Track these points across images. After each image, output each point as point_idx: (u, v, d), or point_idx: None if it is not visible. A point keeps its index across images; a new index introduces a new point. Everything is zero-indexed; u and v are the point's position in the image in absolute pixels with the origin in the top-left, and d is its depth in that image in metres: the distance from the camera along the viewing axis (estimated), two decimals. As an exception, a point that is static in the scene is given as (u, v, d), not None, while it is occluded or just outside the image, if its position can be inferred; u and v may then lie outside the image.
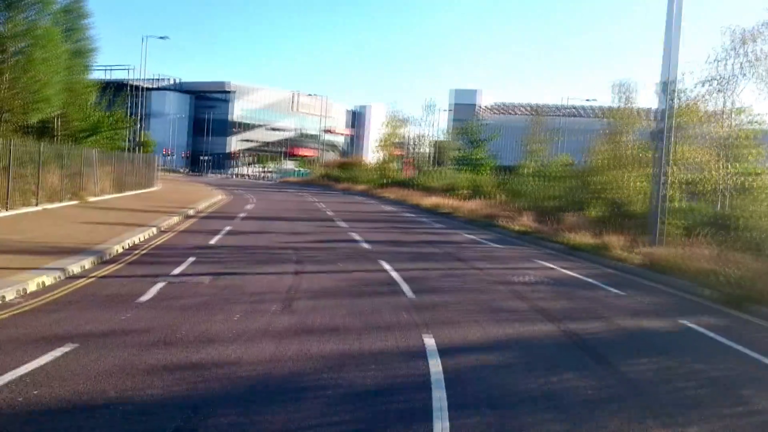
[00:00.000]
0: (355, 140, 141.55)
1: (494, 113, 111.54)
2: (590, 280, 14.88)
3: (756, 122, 21.90)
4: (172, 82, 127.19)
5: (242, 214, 27.00)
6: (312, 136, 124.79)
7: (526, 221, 26.18)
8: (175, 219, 22.13)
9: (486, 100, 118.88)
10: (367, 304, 10.62)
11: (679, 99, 22.23)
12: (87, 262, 12.49)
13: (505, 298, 11.91)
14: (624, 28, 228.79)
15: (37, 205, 21.06)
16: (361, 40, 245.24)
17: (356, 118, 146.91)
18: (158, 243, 16.52)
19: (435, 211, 35.42)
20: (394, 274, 13.59)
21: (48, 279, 10.73)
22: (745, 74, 20.73)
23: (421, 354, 7.86)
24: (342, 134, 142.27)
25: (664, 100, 19.32)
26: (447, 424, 5.73)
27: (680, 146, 22.23)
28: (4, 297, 9.31)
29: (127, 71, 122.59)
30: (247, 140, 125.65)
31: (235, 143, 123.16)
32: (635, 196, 25.92)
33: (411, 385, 6.85)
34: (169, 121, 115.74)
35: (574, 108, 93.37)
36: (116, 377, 6.42)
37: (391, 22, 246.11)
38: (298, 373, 6.95)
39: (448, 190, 46.74)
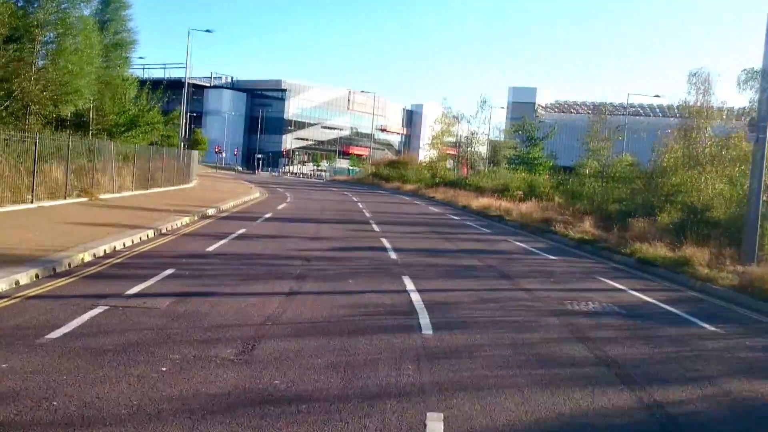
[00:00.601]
0: (410, 139, 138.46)
1: (553, 112, 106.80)
2: (673, 309, 11.41)
3: None
4: (227, 80, 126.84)
5: (268, 215, 24.30)
6: (366, 135, 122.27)
7: (586, 227, 22.61)
8: (186, 220, 19.53)
9: (545, 98, 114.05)
10: (363, 347, 7.54)
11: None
12: (26, 276, 9.81)
13: (559, 340, 8.64)
14: (690, 19, 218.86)
15: (32, 202, 18.75)
16: (417, 38, 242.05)
17: (411, 117, 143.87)
18: (145, 249, 13.82)
19: (484, 213, 32.05)
20: (415, 297, 10.48)
21: (-59, 302, 8.05)
22: None
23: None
24: (397, 133, 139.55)
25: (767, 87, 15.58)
26: None
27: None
28: None
29: (184, 69, 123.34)
30: (301, 138, 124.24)
31: (289, 141, 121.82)
32: (715, 200, 22.15)
33: None
34: (224, 119, 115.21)
35: (635, 106, 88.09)
36: None
37: (448, 20, 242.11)
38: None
39: (501, 191, 43.23)
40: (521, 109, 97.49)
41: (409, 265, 14.14)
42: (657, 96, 59.48)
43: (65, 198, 20.91)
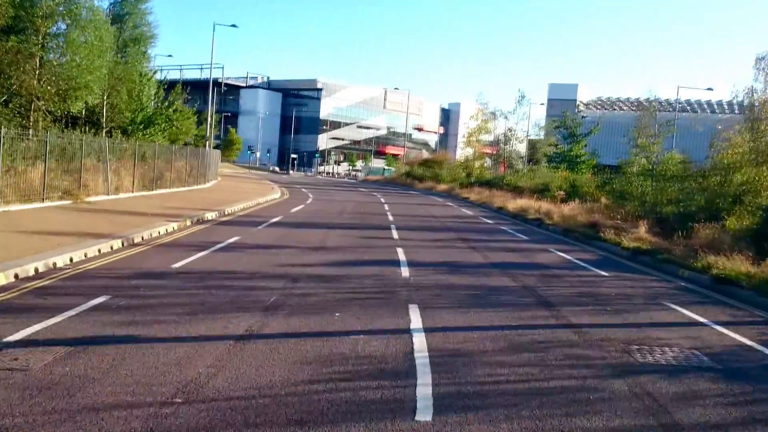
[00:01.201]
0: (447, 138, 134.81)
1: (594, 108, 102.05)
2: (785, 359, 8.09)
3: None
4: (263, 80, 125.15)
5: (275, 219, 21.43)
6: (402, 135, 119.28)
7: (641, 233, 19.16)
8: (173, 226, 16.74)
9: (585, 95, 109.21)
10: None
11: None
12: None
13: (632, 427, 5.45)
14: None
15: (-4, 205, 16.19)
16: (454, 35, 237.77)
17: (448, 116, 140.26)
18: (92, 267, 10.98)
19: (521, 216, 28.69)
20: (419, 343, 7.39)
21: None
22: None
23: None
24: (433, 132, 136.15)
25: None
26: None
27: None
28: None
29: (219, 69, 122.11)
30: (337, 138, 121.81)
31: (324, 141, 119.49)
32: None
33: None
34: (258, 119, 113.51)
35: (681, 102, 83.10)
36: None
37: (486, 16, 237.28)
38: None
39: (541, 192, 39.70)
40: (560, 106, 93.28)
41: (422, 286, 11.03)
42: (709, 89, 54.68)
43: (43, 201, 18.33)
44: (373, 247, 16.20)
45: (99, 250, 12.32)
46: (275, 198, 32.45)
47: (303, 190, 43.07)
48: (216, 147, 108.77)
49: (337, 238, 17.29)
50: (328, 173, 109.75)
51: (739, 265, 13.41)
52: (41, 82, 27.35)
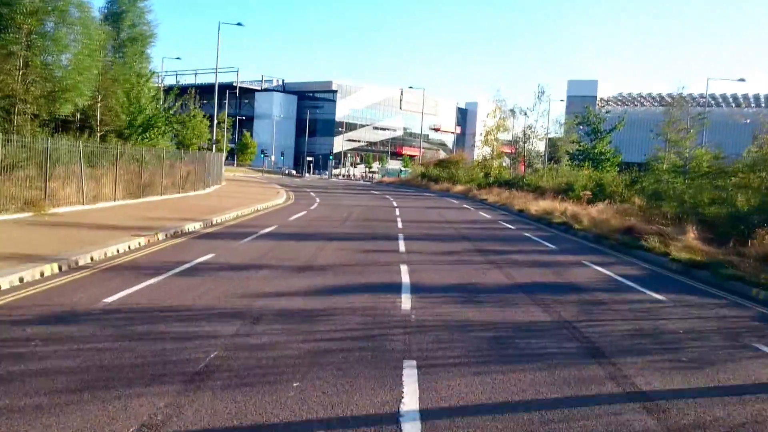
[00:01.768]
0: (464, 138, 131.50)
1: (615, 105, 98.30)
2: None
3: None
4: (278, 83, 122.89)
5: (268, 229, 18.67)
6: (419, 135, 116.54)
7: (689, 240, 16.11)
8: (138, 242, 14.02)
9: (605, 91, 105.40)
10: None
11: None
12: None
13: None
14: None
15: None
16: (470, 33, 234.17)
17: (465, 116, 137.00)
18: (-5, 303, 8.27)
19: (545, 220, 25.69)
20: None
21: None
22: None
23: None
24: (450, 132, 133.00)
25: None
26: None
27: None
28: None
29: (235, 73, 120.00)
30: (353, 140, 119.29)
31: (340, 143, 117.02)
32: None
33: None
34: (274, 123, 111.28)
35: (704, 97, 79.20)
36: None
37: (504, 13, 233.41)
38: None
39: (564, 192, 36.60)
40: (580, 103, 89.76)
41: (426, 326, 8.15)
42: (741, 80, 51.12)
43: (-5, 214, 15.74)
44: (373, 264, 13.32)
45: (21, 279, 9.62)
46: (278, 203, 29.74)
47: (311, 193, 40.35)
48: (230, 151, 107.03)
49: (332, 253, 14.47)
50: (344, 175, 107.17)
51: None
52: (25, 84, 24.98)
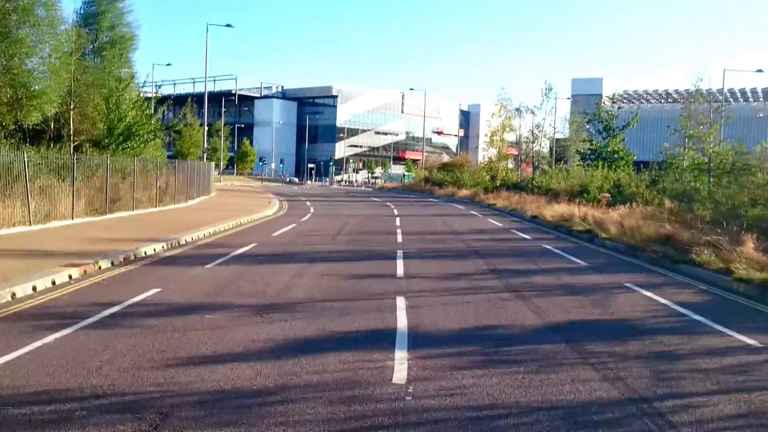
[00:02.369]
0: (467, 141, 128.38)
1: (620, 103, 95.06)
2: None
3: None
4: (277, 89, 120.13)
5: (242, 249, 15.68)
6: (422, 139, 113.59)
7: (750, 252, 13.02)
8: (67, 275, 11.04)
9: (610, 89, 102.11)
10: None
11: None
12: None
13: None
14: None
15: None
16: (470, 34, 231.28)
17: (467, 118, 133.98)
18: None
19: (564, 227, 22.63)
20: None
21: None
22: None
23: None
24: (453, 135, 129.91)
25: None
26: None
27: None
28: None
29: (233, 81, 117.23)
30: (354, 145, 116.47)
31: (341, 149, 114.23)
32: None
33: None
34: (274, 130, 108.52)
35: (721, 92, 75.86)
36: None
37: (504, 13, 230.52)
38: None
39: (578, 194, 33.56)
40: (585, 102, 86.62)
41: (430, 421, 5.15)
42: (759, 71, 47.98)
43: None
44: (361, 297, 10.26)
45: None
46: (267, 215, 26.77)
47: (306, 203, 37.37)
48: (230, 159, 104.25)
49: (312, 282, 11.44)
50: (347, 182, 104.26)
51: None
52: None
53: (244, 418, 5.13)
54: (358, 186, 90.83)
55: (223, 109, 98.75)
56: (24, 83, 23.89)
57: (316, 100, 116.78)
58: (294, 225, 22.74)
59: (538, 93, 69.23)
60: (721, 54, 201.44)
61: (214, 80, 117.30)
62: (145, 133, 33.34)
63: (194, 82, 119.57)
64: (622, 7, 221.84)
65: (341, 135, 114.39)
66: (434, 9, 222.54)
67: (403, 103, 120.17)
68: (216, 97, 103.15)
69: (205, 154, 48.05)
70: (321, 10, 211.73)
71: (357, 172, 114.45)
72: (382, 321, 8.52)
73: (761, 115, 71.56)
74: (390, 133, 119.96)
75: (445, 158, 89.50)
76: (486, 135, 52.32)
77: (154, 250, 14.84)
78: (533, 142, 46.81)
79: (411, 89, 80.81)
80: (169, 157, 74.76)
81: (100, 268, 12.16)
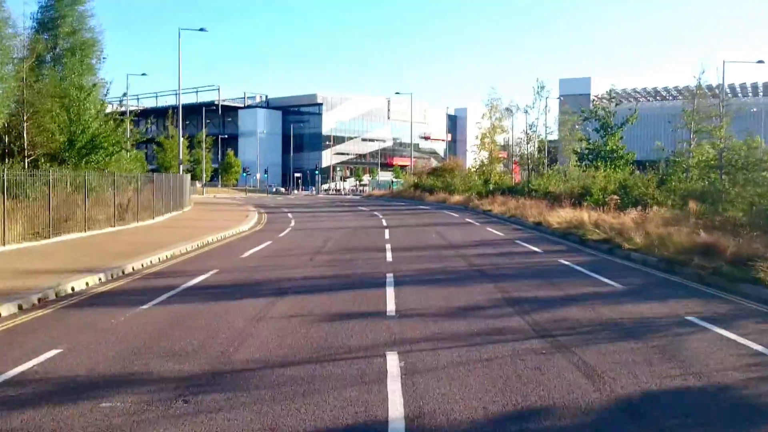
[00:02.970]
0: (455, 145, 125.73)
1: (609, 102, 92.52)
2: None
3: None
4: (261, 99, 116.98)
5: (198, 279, 12.66)
6: (409, 145, 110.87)
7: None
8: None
9: (599, 88, 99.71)
10: None
11: None
12: None
13: None
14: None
15: None
16: (454, 38, 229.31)
17: (455, 122, 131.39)
18: None
19: (574, 235, 19.73)
20: None
21: None
22: None
23: None
24: (441, 140, 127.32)
25: None
26: None
27: None
28: None
29: (216, 91, 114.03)
30: (341, 153, 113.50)
31: (328, 157, 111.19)
32: None
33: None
34: (259, 140, 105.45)
35: (711, 88, 73.61)
36: None
37: (488, 16, 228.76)
38: None
39: (579, 197, 30.81)
40: (573, 102, 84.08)
41: None
42: (760, 62, 45.46)
43: None
44: (337, 358, 7.18)
45: None
46: (241, 231, 23.75)
47: (288, 215, 34.32)
48: (214, 171, 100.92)
49: (272, 330, 8.43)
50: (335, 190, 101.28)
51: None
52: None
53: None
54: (345, 194, 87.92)
55: (204, 120, 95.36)
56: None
57: (301, 109, 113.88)
58: (269, 243, 19.73)
59: (527, 95, 68.31)
60: (708, 53, 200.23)
61: (197, 91, 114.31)
62: (110, 145, 30.21)
63: (176, 94, 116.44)
64: (608, 7, 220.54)
65: (327, 143, 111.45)
66: (418, 14, 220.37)
67: (389, 109, 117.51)
68: (199, 109, 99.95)
69: (181, 166, 44.80)
70: (303, 18, 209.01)
71: (344, 180, 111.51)
72: (366, 407, 5.53)
73: (755, 109, 69.18)
74: (377, 140, 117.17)
75: (434, 163, 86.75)
76: (477, 137, 49.50)
77: (87, 284, 11.80)
78: (528, 143, 43.94)
79: (397, 93, 78.00)
80: (152, 170, 71.75)
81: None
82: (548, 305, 9.99)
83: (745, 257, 11.87)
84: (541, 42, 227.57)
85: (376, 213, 35.86)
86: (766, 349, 7.38)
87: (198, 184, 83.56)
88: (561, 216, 23.69)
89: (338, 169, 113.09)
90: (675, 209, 22.31)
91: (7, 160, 24.78)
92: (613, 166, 38.24)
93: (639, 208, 23.69)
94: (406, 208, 41.85)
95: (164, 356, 7.17)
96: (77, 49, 31.48)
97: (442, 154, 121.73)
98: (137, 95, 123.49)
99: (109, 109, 42.15)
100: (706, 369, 6.64)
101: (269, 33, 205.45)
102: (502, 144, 51.96)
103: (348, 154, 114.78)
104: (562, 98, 64.55)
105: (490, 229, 24.54)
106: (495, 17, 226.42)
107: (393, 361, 6.82)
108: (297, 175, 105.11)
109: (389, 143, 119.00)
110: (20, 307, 9.75)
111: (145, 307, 9.98)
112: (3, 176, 16.63)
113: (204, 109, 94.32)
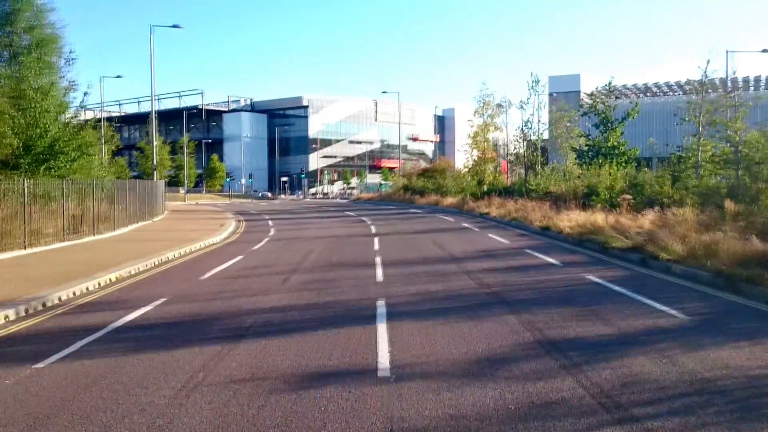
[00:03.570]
0: (443, 146, 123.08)
1: (609, 95, 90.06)
2: None
3: None
4: (246, 102, 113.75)
5: (134, 314, 9.73)
6: (397, 146, 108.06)
7: None
8: None
9: (589, 85, 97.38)
10: None
11: None
12: None
13: None
14: None
15: None
16: (440, 38, 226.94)
17: (443, 123, 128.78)
18: None
19: (594, 242, 16.93)
20: None
21: None
22: None
23: None
24: (429, 141, 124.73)
25: None
26: None
27: None
28: None
29: (200, 95, 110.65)
30: (329, 156, 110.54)
31: (315, 161, 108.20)
32: None
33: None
34: (244, 144, 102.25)
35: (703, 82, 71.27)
36: None
37: (475, 13, 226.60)
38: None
39: (584, 197, 28.15)
40: (564, 99, 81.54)
41: None
42: (765, 51, 43.05)
43: None
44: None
45: None
46: (212, 243, 20.82)
47: (269, 222, 31.38)
48: (198, 176, 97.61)
49: (213, 402, 5.54)
50: (322, 194, 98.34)
51: None
52: None
53: None
54: (333, 198, 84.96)
55: (186, 124, 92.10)
56: None
57: (287, 112, 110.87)
58: (239, 258, 16.81)
59: (518, 93, 66.00)
60: (704, 52, 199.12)
61: (180, 96, 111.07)
62: (71, 150, 27.14)
63: (159, 99, 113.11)
64: (602, 5, 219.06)
65: (314, 146, 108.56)
66: (403, 14, 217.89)
67: (376, 111, 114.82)
68: (182, 113, 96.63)
69: (156, 172, 41.73)
70: (287, 20, 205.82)
71: (332, 184, 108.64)
72: None
73: (750, 103, 66.81)
74: (364, 142, 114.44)
75: (423, 165, 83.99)
76: (469, 136, 46.71)
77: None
78: (524, 140, 41.18)
79: (384, 92, 75.17)
80: (135, 176, 68.53)
81: None
82: (601, 351, 7.14)
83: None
84: (530, 42, 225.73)
85: (364, 218, 32.99)
86: None
87: (181, 191, 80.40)
88: (571, 219, 20.95)
89: (326, 172, 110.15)
90: (695, 208, 19.66)
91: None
92: (615, 163, 35.71)
93: (657, 208, 21.08)
94: (396, 213, 39.02)
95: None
96: (35, 46, 28.43)
97: (430, 155, 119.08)
98: (119, 101, 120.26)
99: (90, 116, 39.03)
100: None
101: (253, 36, 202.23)
102: (494, 142, 49.30)
103: (335, 156, 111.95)
104: (554, 95, 62.03)
105: (492, 236, 21.74)
106: (483, 15, 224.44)
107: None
108: (284, 179, 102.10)
109: (377, 145, 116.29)
110: None
111: (40, 365, 7.08)
112: None
113: (185, 113, 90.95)
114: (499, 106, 45.64)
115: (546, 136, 53.78)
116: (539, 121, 42.96)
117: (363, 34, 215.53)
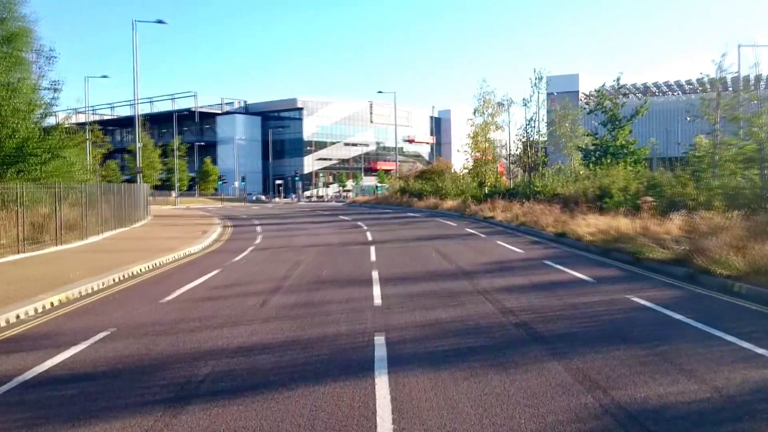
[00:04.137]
0: (440, 148, 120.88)
1: (617, 93, 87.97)
2: None
3: None
4: (240, 104, 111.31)
5: (52, 362, 7.32)
6: (393, 148, 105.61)
7: None
8: None
9: (588, 85, 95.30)
10: None
11: None
12: None
13: None
14: None
15: None
16: (439, 38, 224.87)
17: (439, 125, 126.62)
18: None
19: (621, 251, 14.65)
20: None
21: None
22: None
23: None
24: (425, 143, 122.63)
25: None
26: None
27: None
28: None
29: (193, 98, 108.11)
30: (324, 158, 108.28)
31: (310, 163, 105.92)
32: None
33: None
34: (238, 147, 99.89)
35: (714, 81, 69.16)
36: None
37: (472, 14, 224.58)
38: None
39: (596, 199, 25.93)
40: (561, 100, 79.51)
41: None
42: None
43: None
44: None
45: None
46: (189, 253, 18.47)
47: (257, 228, 29.01)
48: (191, 180, 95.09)
49: None
50: (318, 197, 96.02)
51: None
52: None
53: None
54: (328, 201, 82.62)
55: (178, 127, 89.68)
56: None
57: (281, 114, 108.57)
58: (215, 273, 14.46)
59: (517, 93, 63.67)
60: (704, 54, 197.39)
61: (173, 98, 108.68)
62: (42, 152, 24.78)
63: (152, 102, 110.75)
64: (600, 5, 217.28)
65: (309, 148, 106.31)
66: (399, 15, 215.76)
67: (371, 113, 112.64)
68: (168, 116, 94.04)
69: (139, 175, 39.32)
70: (281, 21, 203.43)
71: (327, 186, 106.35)
72: None
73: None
74: (360, 144, 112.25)
75: (420, 166, 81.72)
76: (469, 135, 44.45)
77: None
78: (528, 139, 38.89)
79: (380, 92, 73.07)
80: (126, 180, 66.05)
81: None
82: (703, 426, 4.83)
83: None
84: (530, 42, 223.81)
85: (359, 223, 30.64)
86: None
87: (173, 194, 77.96)
88: (589, 224, 18.70)
89: (321, 174, 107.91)
90: (724, 212, 17.48)
91: None
92: (624, 163, 33.54)
93: (683, 211, 18.89)
94: (393, 217, 36.71)
95: None
96: (5, 40, 26.05)
97: (427, 157, 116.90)
98: (111, 104, 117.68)
99: (82, 119, 36.53)
100: None
101: (247, 37, 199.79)
102: (495, 142, 47.11)
103: (330, 159, 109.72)
104: (555, 94, 59.85)
105: (502, 243, 19.42)
106: (481, 15, 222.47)
107: None
108: (278, 182, 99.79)
109: (372, 147, 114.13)
110: None
111: None
112: None
113: (176, 115, 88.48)
114: (500, 104, 43.42)
115: (547, 136, 51.73)
116: (543, 119, 40.80)
117: (358, 36, 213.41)
